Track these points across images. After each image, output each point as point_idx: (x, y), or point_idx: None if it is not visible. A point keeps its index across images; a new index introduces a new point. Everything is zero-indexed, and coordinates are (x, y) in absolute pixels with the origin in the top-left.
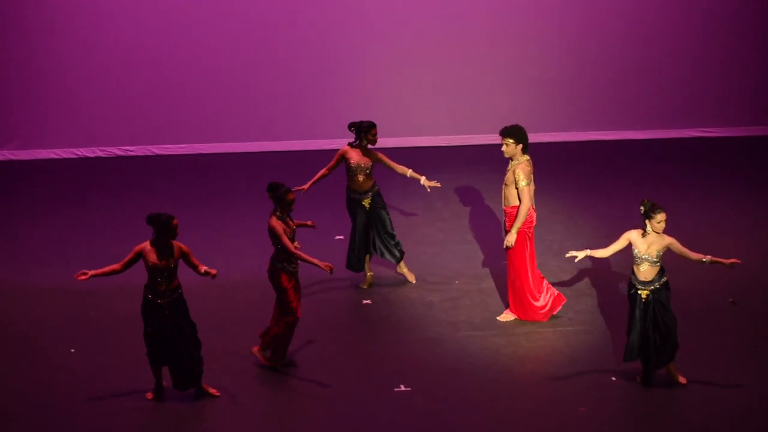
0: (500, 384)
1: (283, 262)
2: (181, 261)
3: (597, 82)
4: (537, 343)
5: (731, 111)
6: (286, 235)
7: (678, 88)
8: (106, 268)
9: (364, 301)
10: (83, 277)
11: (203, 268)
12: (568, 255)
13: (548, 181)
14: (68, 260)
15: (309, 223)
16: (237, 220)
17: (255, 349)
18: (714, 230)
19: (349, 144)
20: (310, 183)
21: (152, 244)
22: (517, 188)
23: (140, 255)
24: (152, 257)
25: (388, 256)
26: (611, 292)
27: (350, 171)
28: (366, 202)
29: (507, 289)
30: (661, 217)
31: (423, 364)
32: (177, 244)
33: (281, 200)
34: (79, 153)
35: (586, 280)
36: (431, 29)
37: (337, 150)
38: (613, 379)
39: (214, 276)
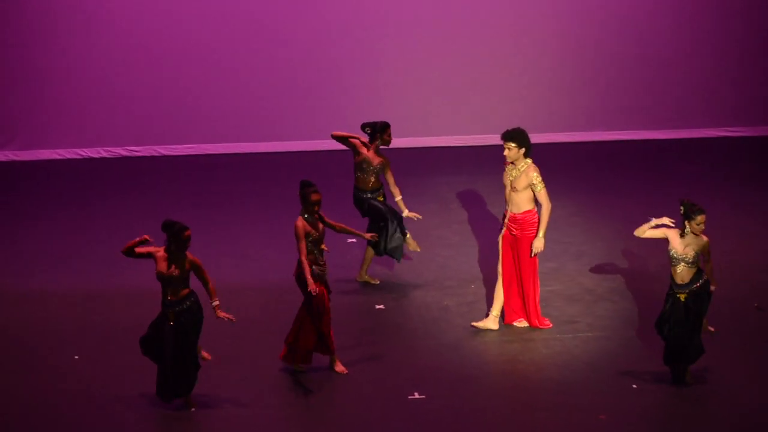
0: (518, 391)
1: (311, 265)
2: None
3: (616, 81)
4: (555, 350)
5: (755, 110)
6: (311, 237)
7: (700, 86)
8: (137, 239)
9: (377, 306)
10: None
11: (221, 314)
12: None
13: (564, 182)
14: (71, 264)
15: (366, 235)
16: (245, 221)
17: (281, 355)
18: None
19: (363, 143)
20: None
21: (165, 251)
22: (533, 191)
23: (151, 256)
24: (161, 265)
25: (375, 246)
26: (632, 296)
27: (361, 169)
28: (380, 198)
29: (512, 296)
30: (701, 218)
31: (438, 371)
32: (189, 255)
33: (304, 200)
34: (83, 153)
35: (606, 284)
36: (446, 27)
37: (340, 152)
38: (635, 386)
39: (232, 322)
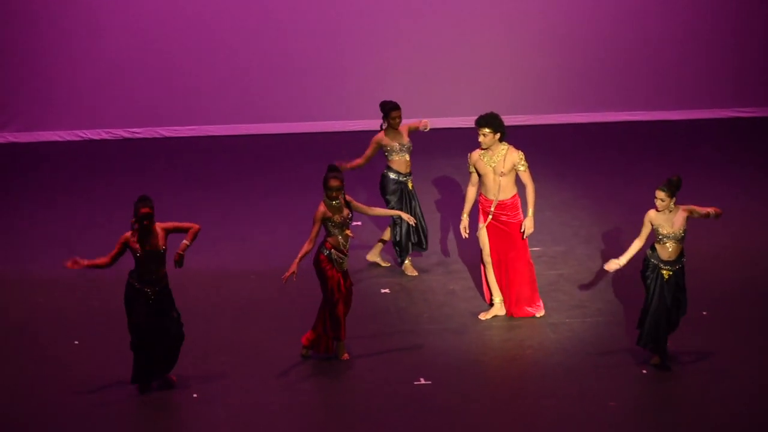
0: (525, 378)
1: (330, 249)
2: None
3: (626, 61)
4: (564, 335)
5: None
6: (332, 222)
7: (716, 66)
8: (97, 261)
9: (382, 290)
10: (75, 266)
11: (191, 230)
12: (607, 268)
13: (572, 164)
14: (71, 248)
15: (403, 215)
16: (249, 205)
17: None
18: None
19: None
20: (348, 165)
21: (133, 231)
22: (518, 172)
23: (126, 245)
24: (137, 245)
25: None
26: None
27: (390, 154)
28: (410, 184)
29: (517, 285)
30: (657, 194)
31: (444, 356)
32: (159, 225)
33: (323, 184)
34: (84, 135)
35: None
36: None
37: (352, 132)
38: (644, 372)
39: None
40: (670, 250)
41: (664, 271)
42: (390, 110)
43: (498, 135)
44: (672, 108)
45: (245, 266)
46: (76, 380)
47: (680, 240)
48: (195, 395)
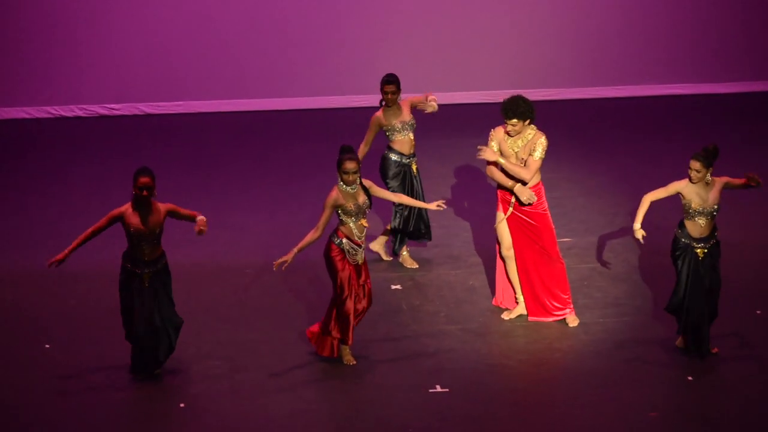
0: (554, 385)
1: (342, 238)
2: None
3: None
4: (597, 336)
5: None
6: (345, 209)
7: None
8: (77, 241)
9: (393, 287)
10: (58, 258)
11: (200, 217)
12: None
13: (604, 145)
14: (44, 239)
15: (431, 205)
16: (242, 189)
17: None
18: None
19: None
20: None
21: (133, 206)
22: (531, 156)
23: (118, 219)
24: (134, 220)
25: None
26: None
27: (391, 134)
28: (414, 166)
29: (543, 283)
30: (692, 164)
31: (463, 360)
32: (160, 204)
33: (338, 167)
34: (55, 112)
35: (656, 261)
36: None
37: (354, 109)
38: (690, 378)
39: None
40: (702, 226)
41: (698, 250)
42: (383, 84)
43: (527, 121)
44: (711, 80)
45: (240, 259)
46: (46, 387)
47: (713, 216)
48: (182, 405)
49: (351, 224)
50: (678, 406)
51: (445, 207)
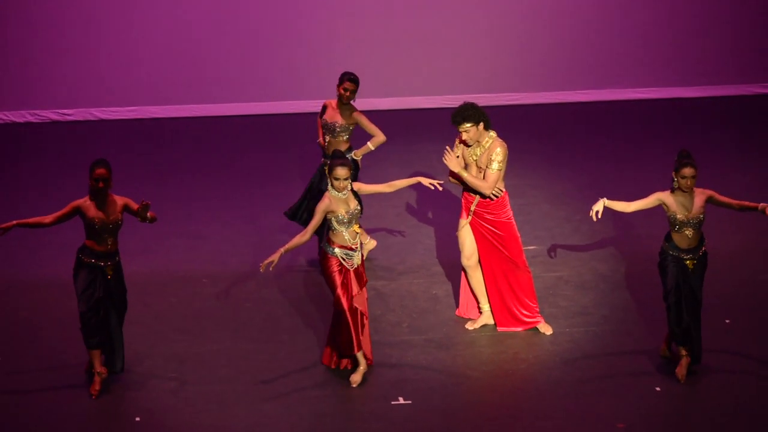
0: (520, 396)
1: (335, 247)
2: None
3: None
4: (564, 346)
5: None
6: (337, 216)
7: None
8: (33, 219)
9: None
10: (6, 225)
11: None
12: (591, 213)
13: (569, 150)
14: None
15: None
16: (199, 197)
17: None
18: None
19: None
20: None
21: (91, 198)
22: (487, 169)
23: (77, 211)
24: (94, 212)
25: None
26: (654, 284)
27: (324, 126)
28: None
29: (509, 292)
30: (687, 171)
31: (426, 371)
32: (116, 197)
33: (329, 174)
34: (5, 118)
35: (623, 269)
36: None
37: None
38: (658, 389)
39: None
40: (690, 237)
41: (688, 261)
42: (343, 80)
43: (482, 125)
44: (678, 84)
45: (196, 268)
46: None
47: (699, 225)
48: (138, 419)
49: (343, 231)
50: (646, 417)
51: (441, 186)
